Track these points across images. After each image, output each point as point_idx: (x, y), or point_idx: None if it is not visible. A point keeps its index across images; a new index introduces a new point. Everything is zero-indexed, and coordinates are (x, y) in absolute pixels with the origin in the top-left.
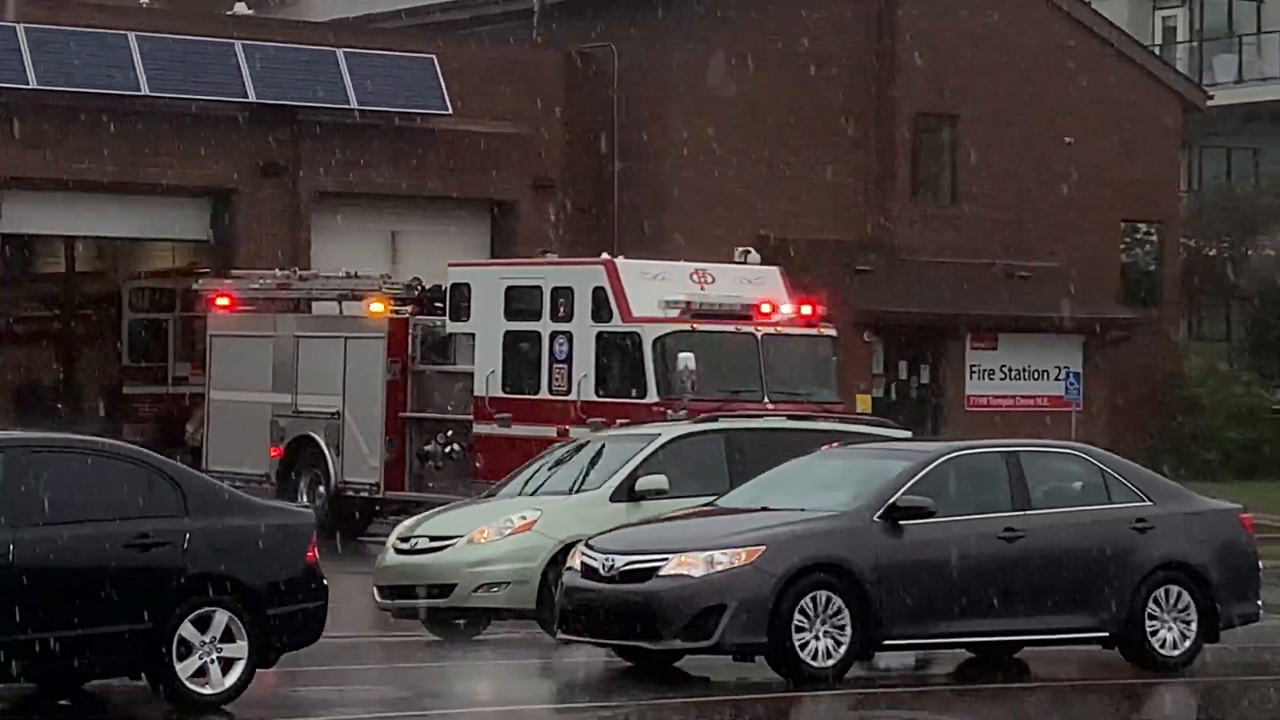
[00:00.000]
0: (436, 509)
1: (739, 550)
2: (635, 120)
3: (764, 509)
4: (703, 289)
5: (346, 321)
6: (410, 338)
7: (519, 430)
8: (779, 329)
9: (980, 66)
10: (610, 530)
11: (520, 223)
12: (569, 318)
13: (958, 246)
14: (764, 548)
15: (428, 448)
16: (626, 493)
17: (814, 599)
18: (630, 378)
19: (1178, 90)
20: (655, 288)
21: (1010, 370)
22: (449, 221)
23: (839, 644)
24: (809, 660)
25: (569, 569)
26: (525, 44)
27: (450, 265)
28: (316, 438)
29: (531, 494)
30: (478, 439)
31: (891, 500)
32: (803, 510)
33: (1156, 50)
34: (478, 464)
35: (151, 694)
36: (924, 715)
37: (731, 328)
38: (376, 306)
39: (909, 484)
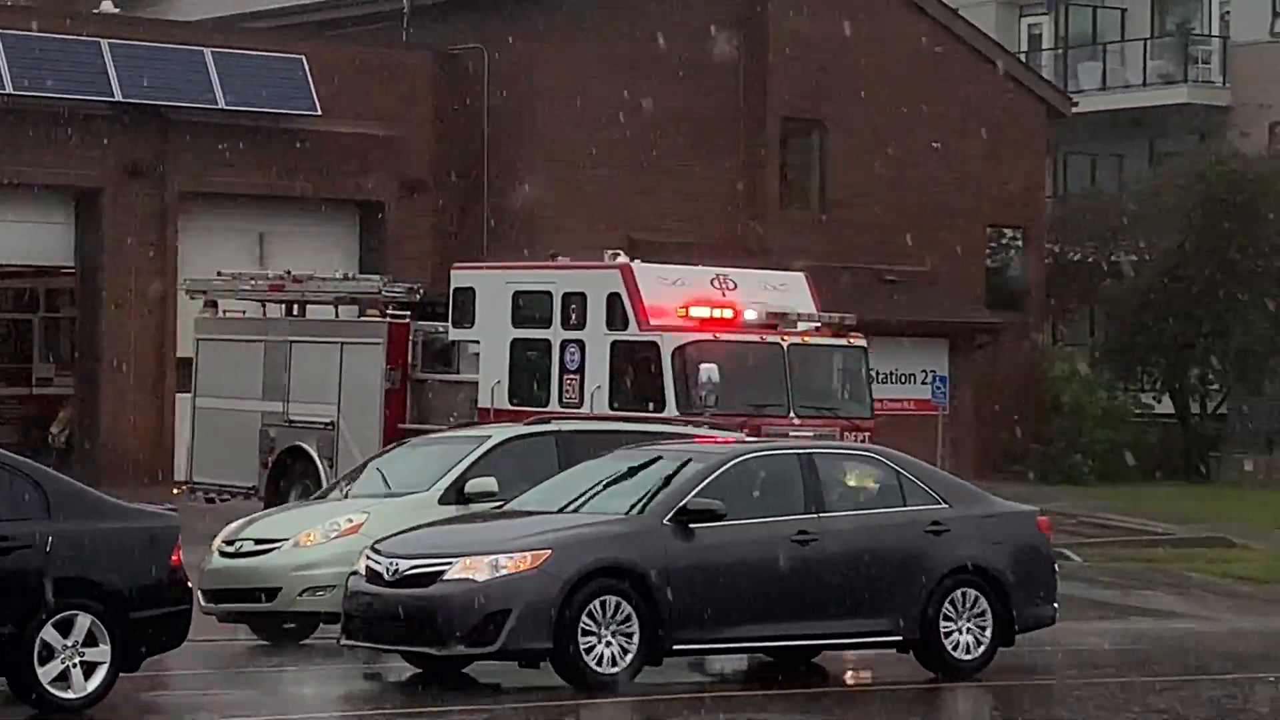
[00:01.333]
0: (265, 511)
1: (524, 554)
2: (505, 122)
3: (554, 511)
4: (724, 295)
5: (343, 326)
6: (410, 344)
7: None
8: (806, 339)
9: (849, 72)
10: (398, 533)
11: (389, 224)
12: (581, 325)
13: (825, 251)
14: (550, 551)
15: None
16: (455, 495)
17: (601, 604)
18: (648, 390)
19: (1043, 97)
20: (674, 293)
21: (877, 374)
22: (318, 222)
23: (626, 650)
24: (595, 666)
25: (354, 573)
26: (395, 45)
27: (455, 268)
28: (308, 449)
29: (362, 496)
30: None
31: (682, 503)
32: (593, 513)
33: (1023, 57)
34: None
35: (13, 698)
36: None
37: (756, 337)
38: (373, 311)
39: (700, 486)
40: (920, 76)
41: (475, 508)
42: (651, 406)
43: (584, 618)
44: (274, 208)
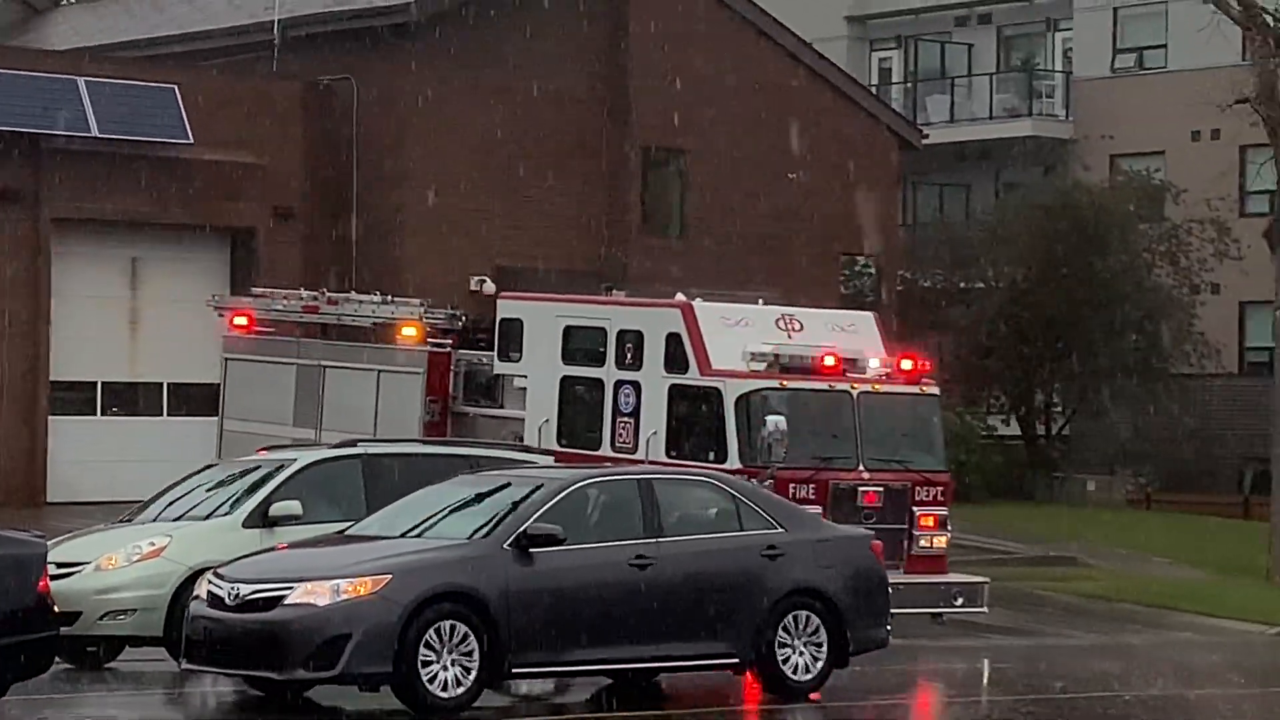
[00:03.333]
0: (67, 534)
1: (365, 579)
2: (374, 150)
3: (395, 536)
4: (790, 337)
5: (380, 352)
6: (452, 375)
7: None
8: (877, 387)
9: (708, 103)
10: (240, 558)
11: (260, 250)
12: (637, 366)
13: (685, 278)
14: (390, 576)
15: None
16: (260, 519)
17: (441, 628)
18: (708, 438)
19: (894, 129)
20: (738, 335)
21: None
22: (190, 249)
23: (467, 673)
24: (435, 690)
25: (196, 598)
26: (266, 75)
27: (501, 297)
28: None
29: (167, 519)
30: None
31: (522, 528)
32: (433, 538)
33: (874, 90)
34: None
35: None
36: None
37: (824, 384)
38: (410, 331)
39: (540, 511)
40: (777, 108)
41: (280, 531)
42: (712, 456)
43: (424, 642)
44: (146, 234)
